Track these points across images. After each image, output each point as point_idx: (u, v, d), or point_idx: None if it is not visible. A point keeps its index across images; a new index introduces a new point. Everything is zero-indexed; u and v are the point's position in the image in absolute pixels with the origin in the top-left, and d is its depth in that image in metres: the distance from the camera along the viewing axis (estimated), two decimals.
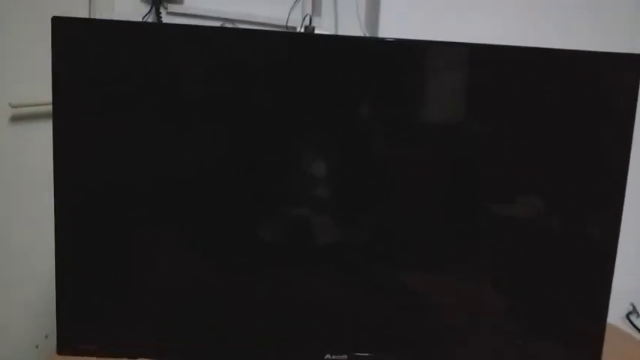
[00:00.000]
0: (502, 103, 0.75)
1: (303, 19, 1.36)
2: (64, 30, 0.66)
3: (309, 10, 1.38)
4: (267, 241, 0.73)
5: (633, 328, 1.32)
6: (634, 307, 1.38)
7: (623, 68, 0.73)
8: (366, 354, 0.75)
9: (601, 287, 0.77)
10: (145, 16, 1.27)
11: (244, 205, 0.72)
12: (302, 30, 1.34)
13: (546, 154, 0.75)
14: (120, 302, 0.73)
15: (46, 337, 1.14)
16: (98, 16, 1.20)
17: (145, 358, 0.73)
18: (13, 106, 1.01)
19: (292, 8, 1.38)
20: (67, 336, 0.72)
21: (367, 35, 1.37)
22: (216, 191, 0.72)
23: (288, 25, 1.37)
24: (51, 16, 0.66)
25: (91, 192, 0.70)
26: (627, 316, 1.37)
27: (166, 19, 1.29)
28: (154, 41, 0.70)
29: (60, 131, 0.68)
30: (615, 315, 1.36)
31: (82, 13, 1.20)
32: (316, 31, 1.32)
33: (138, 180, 0.71)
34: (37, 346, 1.14)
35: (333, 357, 0.75)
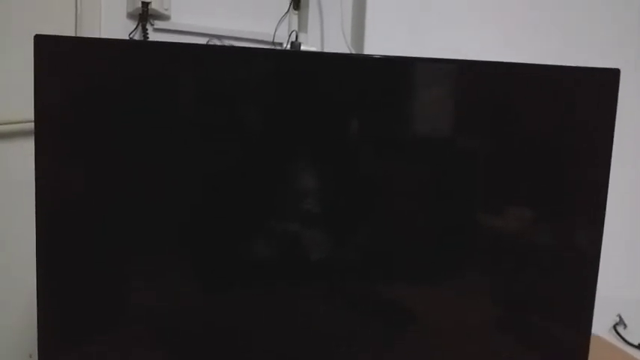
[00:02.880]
0: (488, 118, 0.76)
1: (290, 35, 1.37)
2: (47, 48, 0.67)
3: (295, 27, 1.39)
4: (258, 259, 0.73)
5: (620, 339, 1.33)
6: (621, 319, 1.39)
7: (601, 82, 0.74)
8: None
9: (585, 299, 0.77)
10: (131, 33, 1.27)
11: (234, 223, 0.72)
12: (288, 46, 1.35)
13: (530, 168, 0.76)
14: (103, 322, 0.73)
15: (30, 357, 1.13)
16: (85, 33, 1.20)
17: None
18: None
19: (279, 24, 1.39)
20: (49, 357, 0.71)
21: (353, 51, 1.38)
22: (205, 209, 0.72)
23: (275, 41, 1.38)
24: (35, 35, 0.66)
25: (73, 211, 0.70)
26: (614, 328, 1.38)
27: (153, 35, 1.29)
28: (140, 59, 0.70)
29: (41, 149, 0.67)
30: (602, 326, 1.36)
31: (69, 30, 1.20)
32: (302, 47, 1.33)
33: (123, 198, 0.71)
34: None
35: None
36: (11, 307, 1.10)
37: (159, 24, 1.31)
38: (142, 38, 1.27)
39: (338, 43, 1.41)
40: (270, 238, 0.73)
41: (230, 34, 1.35)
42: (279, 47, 1.37)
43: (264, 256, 0.73)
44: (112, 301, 0.73)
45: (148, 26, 1.28)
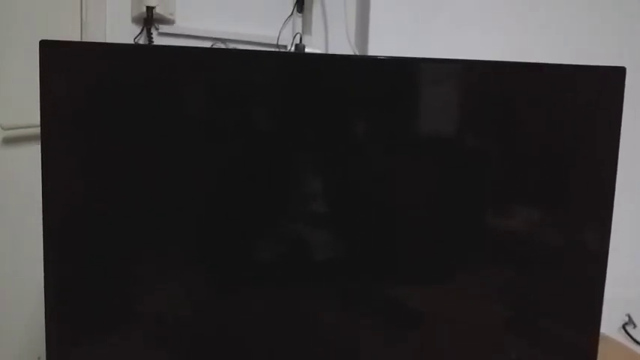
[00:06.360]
0: (494, 118, 0.76)
1: (294, 38, 1.37)
2: (53, 53, 0.67)
3: (299, 29, 1.39)
4: (265, 260, 0.73)
5: (629, 338, 1.32)
6: (630, 318, 1.38)
7: (607, 80, 0.74)
8: None
9: (594, 299, 0.77)
10: (136, 37, 1.28)
11: (240, 224, 0.73)
12: (293, 48, 1.35)
13: (537, 167, 0.76)
14: (112, 324, 0.73)
15: (39, 359, 1.13)
16: (90, 38, 1.20)
17: None
18: (5, 129, 1.02)
19: (283, 27, 1.39)
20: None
21: (357, 53, 1.38)
22: (215, 211, 0.72)
23: (279, 43, 1.38)
24: (40, 40, 0.67)
25: (81, 215, 0.70)
26: (623, 327, 1.37)
27: (158, 39, 1.30)
28: (145, 63, 0.70)
29: (48, 154, 0.68)
30: (611, 326, 1.35)
31: (75, 35, 1.21)
32: (307, 50, 1.33)
33: (131, 201, 0.71)
34: None
35: None
36: (20, 309, 1.11)
37: (164, 28, 1.31)
38: (147, 42, 1.27)
39: (342, 45, 1.41)
40: (280, 238, 0.73)
41: (234, 38, 1.35)
42: (283, 50, 1.37)
43: (273, 256, 0.73)
44: (120, 303, 0.73)
45: (153, 30, 1.29)
